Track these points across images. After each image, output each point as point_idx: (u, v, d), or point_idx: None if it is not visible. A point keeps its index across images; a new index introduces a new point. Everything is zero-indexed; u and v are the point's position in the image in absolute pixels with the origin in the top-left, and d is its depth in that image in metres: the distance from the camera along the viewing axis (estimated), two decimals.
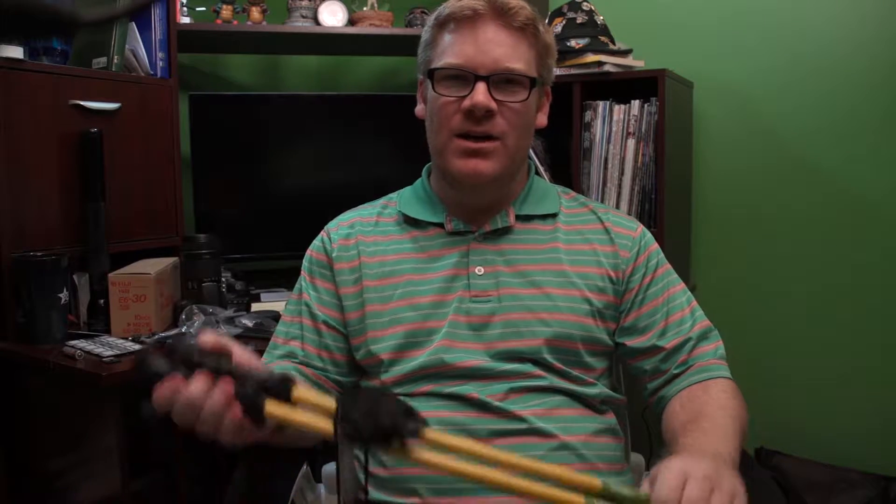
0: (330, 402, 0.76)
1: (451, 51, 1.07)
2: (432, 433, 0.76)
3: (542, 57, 1.10)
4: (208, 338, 0.79)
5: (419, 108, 1.15)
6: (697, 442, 0.92)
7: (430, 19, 1.12)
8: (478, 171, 1.06)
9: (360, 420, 0.73)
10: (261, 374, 0.78)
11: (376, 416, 0.73)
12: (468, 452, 0.78)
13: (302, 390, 0.77)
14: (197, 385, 0.77)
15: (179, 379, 0.77)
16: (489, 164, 1.06)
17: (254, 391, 0.76)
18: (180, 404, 0.77)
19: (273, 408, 0.76)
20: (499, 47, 1.05)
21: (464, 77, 1.05)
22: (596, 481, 0.78)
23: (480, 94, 1.04)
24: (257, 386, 0.76)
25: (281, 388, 0.77)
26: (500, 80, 1.05)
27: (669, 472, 0.79)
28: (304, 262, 1.18)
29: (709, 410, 1.00)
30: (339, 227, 1.17)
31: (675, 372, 1.09)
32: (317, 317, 1.13)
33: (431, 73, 1.08)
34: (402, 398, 0.79)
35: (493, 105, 1.04)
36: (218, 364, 0.78)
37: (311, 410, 0.77)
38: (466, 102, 1.04)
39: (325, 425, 0.75)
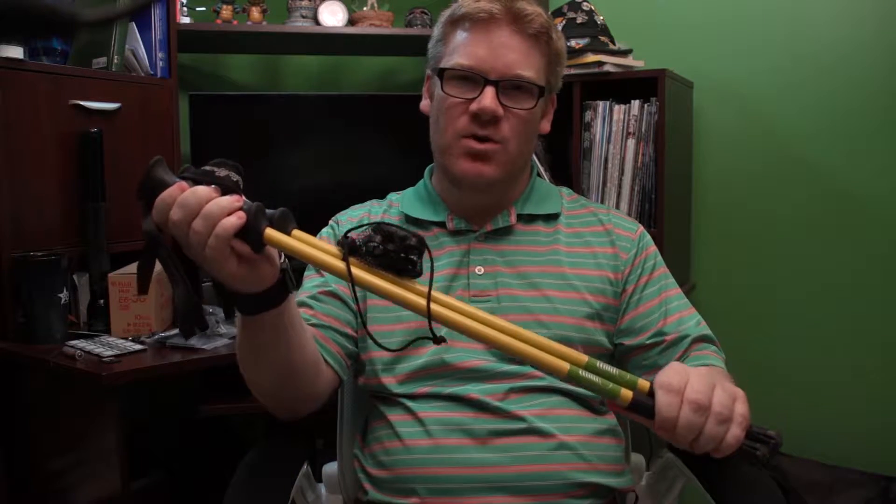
0: (331, 247, 0.79)
1: (463, 51, 1.06)
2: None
3: (553, 64, 1.10)
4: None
5: (424, 104, 1.15)
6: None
7: (444, 15, 1.11)
8: (480, 174, 1.06)
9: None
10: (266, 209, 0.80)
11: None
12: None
13: (301, 233, 0.80)
14: (205, 188, 0.78)
15: (186, 186, 0.79)
16: (491, 167, 1.06)
17: (258, 210, 0.79)
18: (183, 199, 0.77)
19: (272, 232, 0.79)
20: (511, 53, 1.05)
21: (473, 79, 1.05)
22: (583, 356, 0.79)
23: (488, 98, 1.04)
24: (261, 211, 0.79)
25: (283, 222, 0.80)
26: (510, 86, 1.05)
27: (671, 369, 0.80)
28: None
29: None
30: (349, 221, 1.17)
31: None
32: (329, 288, 1.10)
33: (441, 73, 1.08)
34: None
35: (500, 111, 1.04)
36: (229, 182, 0.81)
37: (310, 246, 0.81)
38: (474, 105, 1.04)
39: (318, 254, 0.79)
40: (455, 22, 1.09)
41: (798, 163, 2.18)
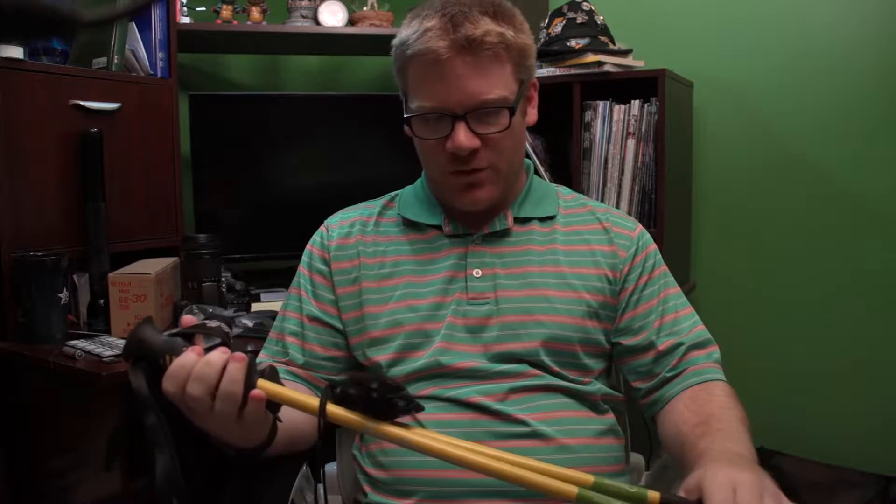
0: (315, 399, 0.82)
1: (423, 91, 1.03)
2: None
3: (518, 63, 1.05)
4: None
5: (407, 129, 1.09)
6: (719, 446, 0.89)
7: (395, 43, 1.06)
8: (476, 200, 1.06)
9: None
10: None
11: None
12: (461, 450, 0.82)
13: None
14: (218, 355, 0.81)
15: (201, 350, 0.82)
16: (486, 191, 1.06)
17: (251, 364, 0.82)
18: (201, 373, 0.81)
19: (266, 384, 0.82)
20: (470, 82, 1.00)
21: (441, 117, 1.02)
22: (589, 476, 0.78)
23: (461, 136, 1.01)
24: (253, 364, 0.83)
25: (274, 376, 0.84)
26: (479, 114, 1.02)
27: (717, 482, 0.77)
28: (304, 257, 1.17)
29: (717, 412, 0.98)
30: (340, 226, 1.16)
31: (668, 375, 1.07)
32: (313, 313, 1.12)
33: (409, 119, 1.05)
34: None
35: (476, 143, 1.02)
36: (222, 334, 0.83)
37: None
38: (448, 145, 1.02)
39: (314, 402, 0.81)
40: (408, 58, 1.04)
41: (798, 163, 2.18)
